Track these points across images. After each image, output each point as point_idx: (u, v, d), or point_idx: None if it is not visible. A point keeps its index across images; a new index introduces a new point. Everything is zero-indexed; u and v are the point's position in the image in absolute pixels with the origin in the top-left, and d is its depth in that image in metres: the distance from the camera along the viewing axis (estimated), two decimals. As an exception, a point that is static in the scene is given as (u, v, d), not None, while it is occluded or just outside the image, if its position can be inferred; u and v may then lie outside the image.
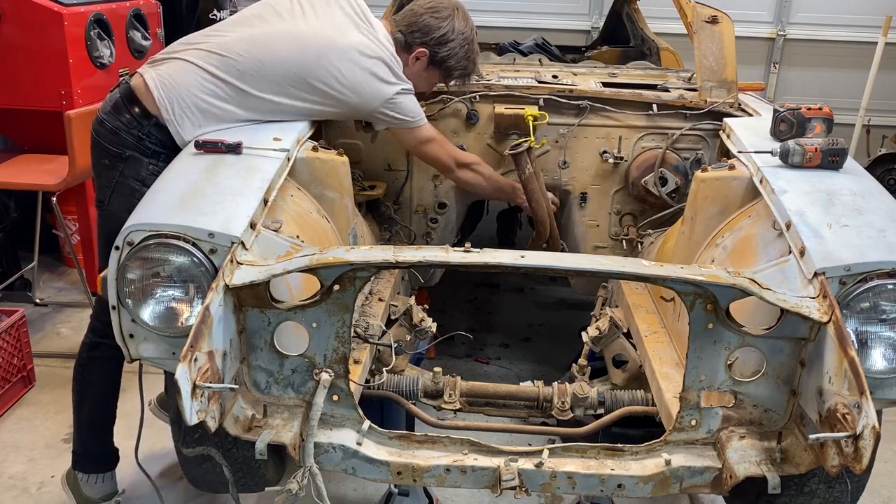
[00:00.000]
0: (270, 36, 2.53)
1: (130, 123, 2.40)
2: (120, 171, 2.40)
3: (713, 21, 3.11)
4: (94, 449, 2.69)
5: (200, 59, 2.46)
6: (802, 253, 1.92)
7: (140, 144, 2.40)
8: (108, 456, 2.73)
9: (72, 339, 3.98)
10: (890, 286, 1.83)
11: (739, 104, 3.02)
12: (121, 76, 2.76)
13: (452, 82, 2.89)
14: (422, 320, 2.63)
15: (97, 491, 2.70)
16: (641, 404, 2.40)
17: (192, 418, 1.69)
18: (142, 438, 2.33)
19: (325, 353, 1.98)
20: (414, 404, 2.43)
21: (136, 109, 2.40)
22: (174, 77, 2.42)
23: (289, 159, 2.35)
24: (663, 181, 3.00)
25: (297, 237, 2.16)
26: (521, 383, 2.62)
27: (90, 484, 2.69)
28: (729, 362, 1.95)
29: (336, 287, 1.90)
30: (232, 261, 1.89)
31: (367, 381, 2.32)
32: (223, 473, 2.09)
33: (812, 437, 1.70)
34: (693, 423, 2.00)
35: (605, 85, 3.24)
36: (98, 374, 2.61)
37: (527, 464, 2.01)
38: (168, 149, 2.41)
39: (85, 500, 2.70)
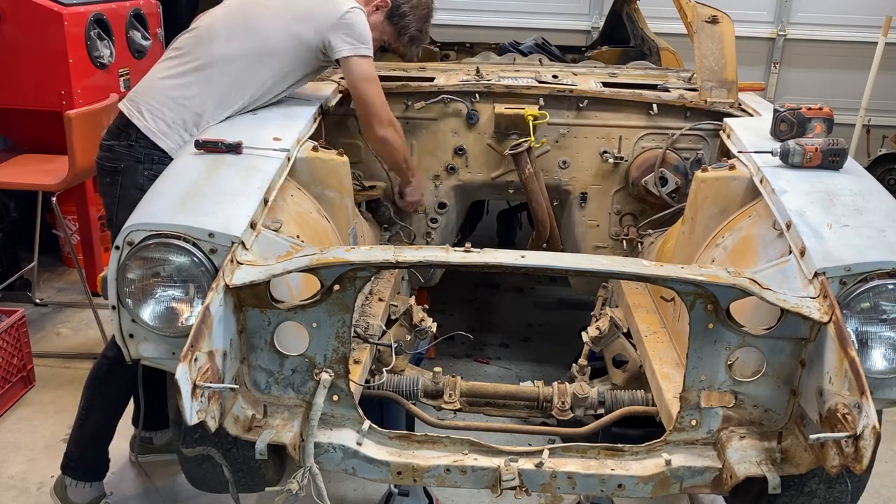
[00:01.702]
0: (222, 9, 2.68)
1: (119, 136, 2.54)
2: (120, 185, 2.50)
3: (713, 21, 3.11)
4: (90, 459, 2.70)
5: (160, 62, 2.65)
6: (803, 253, 1.92)
7: (131, 152, 2.50)
8: (102, 466, 2.74)
9: (72, 339, 3.98)
10: (890, 286, 1.83)
11: (739, 104, 3.02)
12: None
13: (398, 45, 2.90)
14: (422, 320, 2.63)
15: (85, 496, 2.69)
16: (641, 404, 2.39)
17: (192, 418, 1.69)
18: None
19: (325, 353, 1.98)
20: (414, 404, 2.43)
21: (122, 123, 2.54)
22: (140, 85, 2.62)
23: (289, 159, 2.35)
24: (663, 181, 3.00)
25: (297, 237, 2.16)
26: (521, 383, 2.62)
27: (79, 489, 2.69)
28: (729, 362, 1.95)
29: (336, 287, 1.90)
30: (232, 261, 1.89)
31: (367, 381, 2.32)
32: (223, 473, 2.09)
33: (812, 437, 1.70)
34: (693, 423, 2.00)
35: (605, 85, 3.24)
36: (114, 390, 2.62)
37: (527, 464, 2.00)
38: (159, 150, 2.49)
39: None
